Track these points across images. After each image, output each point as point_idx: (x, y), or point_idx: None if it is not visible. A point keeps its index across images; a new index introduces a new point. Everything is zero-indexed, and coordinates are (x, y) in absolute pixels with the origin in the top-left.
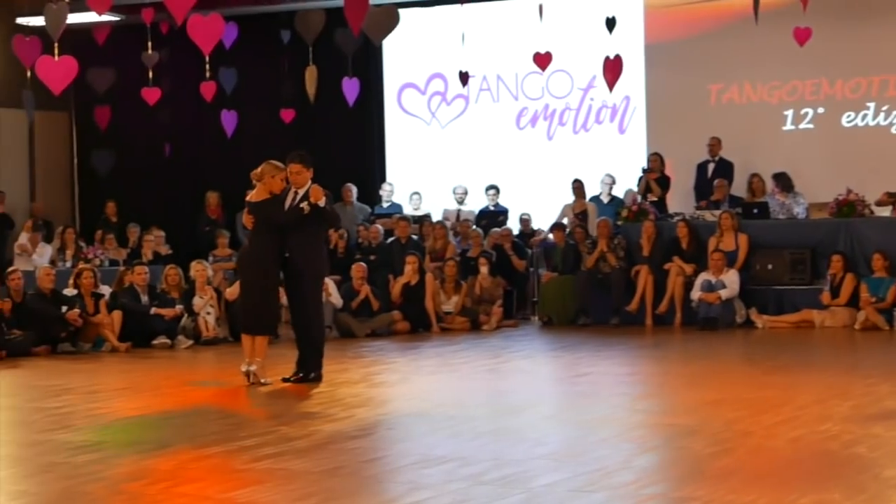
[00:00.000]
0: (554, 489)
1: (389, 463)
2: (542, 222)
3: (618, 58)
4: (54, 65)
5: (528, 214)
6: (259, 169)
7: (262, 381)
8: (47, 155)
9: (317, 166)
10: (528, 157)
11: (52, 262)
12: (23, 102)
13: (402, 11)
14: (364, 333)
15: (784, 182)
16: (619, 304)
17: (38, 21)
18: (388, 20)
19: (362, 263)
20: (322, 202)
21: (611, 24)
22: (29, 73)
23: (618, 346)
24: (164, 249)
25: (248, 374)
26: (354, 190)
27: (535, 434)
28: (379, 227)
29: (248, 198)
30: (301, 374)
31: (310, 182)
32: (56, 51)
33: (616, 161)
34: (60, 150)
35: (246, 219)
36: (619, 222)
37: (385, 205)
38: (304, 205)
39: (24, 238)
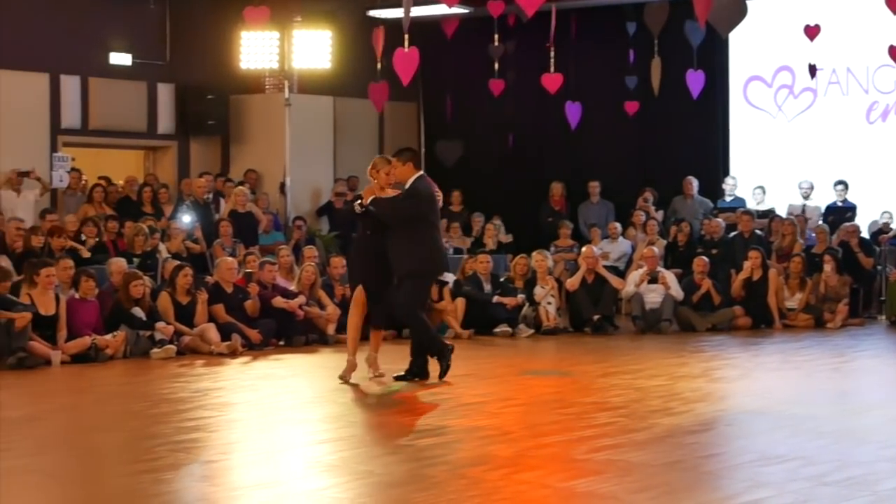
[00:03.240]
0: None
1: (728, 459)
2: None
3: None
4: (404, 56)
5: (889, 214)
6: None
7: (347, 378)
8: (396, 144)
9: (660, 159)
10: (878, 152)
11: None
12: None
13: (749, 3)
14: (705, 328)
15: None
16: None
17: (387, 13)
18: (736, 12)
19: (704, 257)
20: (367, 202)
21: None
22: (378, 65)
23: None
24: (504, 238)
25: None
26: (695, 183)
27: (882, 436)
28: (720, 221)
29: None
30: (404, 373)
31: (413, 177)
32: (406, 42)
33: None
34: (408, 139)
35: None
36: None
37: (728, 199)
38: (356, 203)
39: None
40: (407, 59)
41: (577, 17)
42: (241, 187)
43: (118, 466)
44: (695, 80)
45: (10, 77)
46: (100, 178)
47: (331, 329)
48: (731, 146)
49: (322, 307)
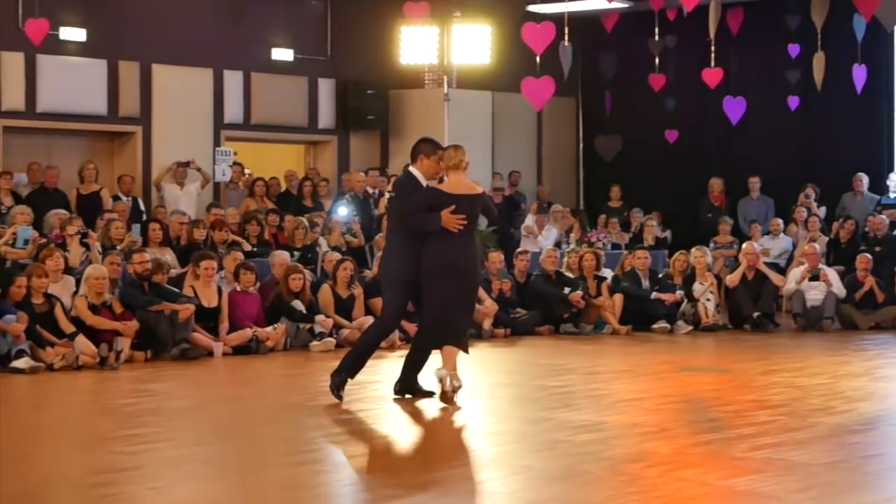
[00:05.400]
0: None
1: (891, 460)
2: None
3: None
4: (563, 51)
5: None
6: (451, 152)
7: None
8: (554, 139)
9: (822, 155)
10: None
11: (557, 245)
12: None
13: None
14: (867, 326)
15: None
16: None
17: (548, 8)
18: None
19: (867, 254)
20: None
21: None
22: (538, 59)
23: None
24: (660, 233)
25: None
26: (865, 179)
27: None
28: (884, 217)
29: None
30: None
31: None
32: (566, 37)
33: None
34: (567, 134)
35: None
36: None
37: (892, 195)
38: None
39: (530, 220)
40: (565, 54)
41: (737, 11)
42: None
43: (277, 457)
44: (859, 75)
45: (175, 72)
46: (244, 171)
47: (487, 324)
48: None
49: (479, 301)
